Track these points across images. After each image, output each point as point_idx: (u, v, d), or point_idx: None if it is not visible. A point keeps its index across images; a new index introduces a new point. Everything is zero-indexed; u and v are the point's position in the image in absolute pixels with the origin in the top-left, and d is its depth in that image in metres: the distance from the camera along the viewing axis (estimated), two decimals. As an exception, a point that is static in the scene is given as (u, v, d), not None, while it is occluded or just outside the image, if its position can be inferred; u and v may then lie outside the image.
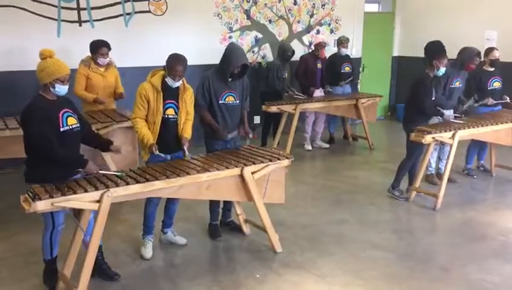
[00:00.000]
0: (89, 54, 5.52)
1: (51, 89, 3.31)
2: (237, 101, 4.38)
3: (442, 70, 5.25)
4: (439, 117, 5.53)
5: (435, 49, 5.24)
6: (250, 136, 4.45)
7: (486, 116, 5.88)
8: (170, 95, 3.99)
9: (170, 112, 4.00)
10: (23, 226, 4.53)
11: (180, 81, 3.98)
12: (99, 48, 5.44)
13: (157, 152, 3.91)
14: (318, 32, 8.94)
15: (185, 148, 4.03)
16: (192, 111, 4.19)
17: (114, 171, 3.57)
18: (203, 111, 4.33)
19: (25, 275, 3.82)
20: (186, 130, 4.12)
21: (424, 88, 5.20)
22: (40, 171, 3.33)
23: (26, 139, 3.33)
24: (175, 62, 3.90)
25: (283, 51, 7.32)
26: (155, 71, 4.05)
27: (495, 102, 6.03)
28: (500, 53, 6.14)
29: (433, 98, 5.29)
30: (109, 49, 5.51)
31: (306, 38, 8.89)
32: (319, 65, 7.59)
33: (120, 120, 5.15)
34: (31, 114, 3.26)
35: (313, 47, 8.07)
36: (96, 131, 5.07)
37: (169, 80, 3.92)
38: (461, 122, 5.50)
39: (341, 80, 7.81)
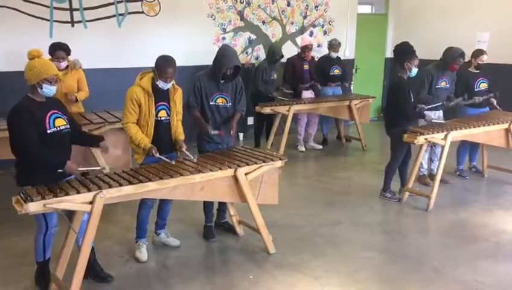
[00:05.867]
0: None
1: (39, 89, 3.27)
2: (229, 104, 4.39)
3: (414, 71, 5.19)
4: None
5: (405, 51, 5.17)
6: (231, 132, 4.38)
7: (477, 117, 5.91)
8: (161, 97, 3.96)
9: (162, 113, 3.99)
10: (15, 228, 4.50)
11: (172, 83, 3.97)
12: (55, 51, 5.25)
13: (158, 154, 3.87)
14: (311, 34, 8.97)
15: (184, 150, 4.02)
16: (181, 111, 4.18)
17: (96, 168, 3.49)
18: (193, 111, 4.33)
19: (17, 277, 3.79)
20: (181, 131, 4.13)
21: (402, 93, 5.10)
22: (30, 174, 3.29)
23: (12, 142, 3.30)
24: (166, 64, 3.86)
25: (272, 54, 7.31)
26: (143, 74, 4.00)
27: (482, 98, 5.99)
28: (490, 55, 6.15)
29: (412, 100, 5.24)
30: (67, 53, 5.33)
31: (299, 40, 8.90)
32: (306, 66, 7.55)
33: (112, 121, 5.14)
34: (16, 117, 3.23)
35: (299, 49, 7.99)
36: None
37: (160, 83, 3.89)
38: (442, 121, 5.51)
39: (330, 82, 7.81)
